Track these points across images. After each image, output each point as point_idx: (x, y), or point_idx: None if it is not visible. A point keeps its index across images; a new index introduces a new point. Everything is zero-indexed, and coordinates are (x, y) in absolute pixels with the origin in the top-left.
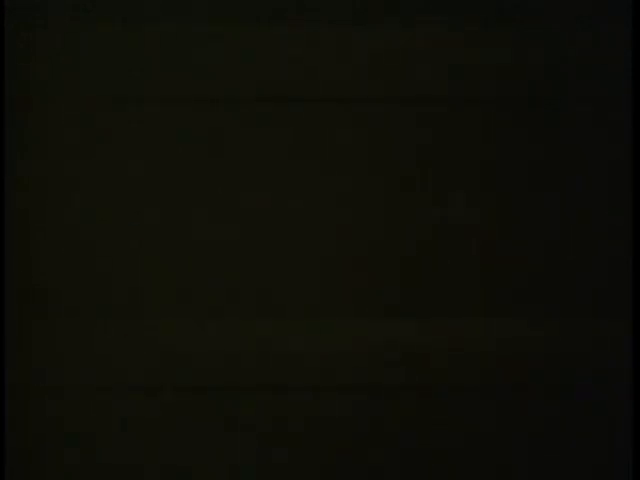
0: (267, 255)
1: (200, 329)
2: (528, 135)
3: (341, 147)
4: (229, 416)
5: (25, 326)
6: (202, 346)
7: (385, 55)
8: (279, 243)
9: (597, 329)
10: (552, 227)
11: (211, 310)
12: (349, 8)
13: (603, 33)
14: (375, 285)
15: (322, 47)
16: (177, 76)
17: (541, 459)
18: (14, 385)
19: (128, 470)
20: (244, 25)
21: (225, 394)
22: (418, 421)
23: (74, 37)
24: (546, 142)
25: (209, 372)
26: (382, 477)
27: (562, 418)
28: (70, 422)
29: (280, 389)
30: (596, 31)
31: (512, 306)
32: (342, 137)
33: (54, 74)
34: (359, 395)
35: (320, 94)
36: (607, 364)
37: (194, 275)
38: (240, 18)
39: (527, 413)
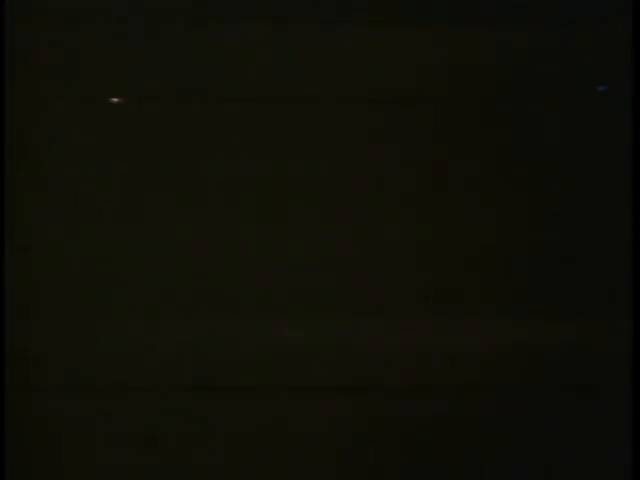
0: (267, 255)
1: (200, 329)
2: (528, 135)
3: (341, 147)
4: (230, 416)
5: (25, 327)
6: (202, 346)
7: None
8: (280, 243)
9: (597, 329)
10: (552, 227)
11: (212, 310)
12: (344, 8)
13: (603, 33)
14: (374, 285)
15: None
16: (177, 76)
17: (541, 459)
18: (14, 385)
19: (128, 470)
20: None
21: (225, 394)
22: (419, 421)
23: (74, 37)
24: (546, 142)
25: (209, 372)
26: (388, 477)
27: (561, 418)
28: (70, 422)
29: (279, 389)
30: (596, 31)
31: (511, 307)
32: (339, 137)
33: (53, 74)
34: (359, 396)
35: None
36: (607, 364)
37: (195, 275)
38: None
39: (526, 413)
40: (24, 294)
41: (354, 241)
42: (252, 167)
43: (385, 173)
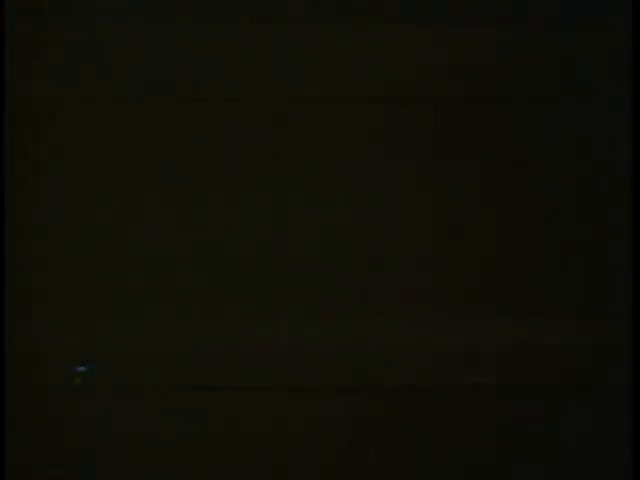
0: (268, 255)
1: (200, 329)
2: (528, 135)
3: (341, 147)
4: (230, 416)
5: (25, 326)
6: (202, 346)
7: (380, 55)
8: (280, 243)
9: (597, 329)
10: (552, 227)
11: (212, 310)
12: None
13: (603, 33)
14: (374, 285)
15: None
16: (177, 76)
17: (540, 459)
18: (14, 385)
19: (128, 470)
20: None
21: (226, 394)
22: (419, 421)
23: (74, 36)
24: (546, 142)
25: (209, 372)
26: (393, 476)
27: (561, 418)
28: (70, 422)
29: (279, 389)
30: (596, 31)
31: (511, 307)
32: (339, 137)
33: (54, 74)
34: (360, 396)
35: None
36: (607, 364)
37: (196, 275)
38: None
39: (526, 413)
40: (24, 294)
41: (354, 241)
42: (252, 167)
43: (385, 173)
